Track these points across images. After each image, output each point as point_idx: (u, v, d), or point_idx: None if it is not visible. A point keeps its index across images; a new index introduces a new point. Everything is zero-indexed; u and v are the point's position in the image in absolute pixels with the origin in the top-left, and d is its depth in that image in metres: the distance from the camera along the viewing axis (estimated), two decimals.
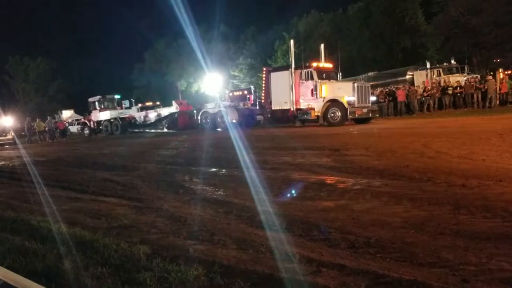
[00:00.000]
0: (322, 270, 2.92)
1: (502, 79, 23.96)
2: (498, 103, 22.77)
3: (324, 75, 20.32)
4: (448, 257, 2.98)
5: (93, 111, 32.52)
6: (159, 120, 28.89)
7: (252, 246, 3.51)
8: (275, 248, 3.40)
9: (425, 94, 24.54)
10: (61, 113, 48.09)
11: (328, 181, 6.07)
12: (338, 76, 21.64)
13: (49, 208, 5.48)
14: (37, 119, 31.67)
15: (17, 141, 27.63)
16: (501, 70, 26.41)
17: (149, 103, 35.59)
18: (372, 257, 3.11)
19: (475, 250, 3.08)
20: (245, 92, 29.46)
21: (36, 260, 3.50)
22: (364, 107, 19.06)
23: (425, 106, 24.16)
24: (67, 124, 41.45)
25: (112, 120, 30.94)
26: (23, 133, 31.96)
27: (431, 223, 3.74)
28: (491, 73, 26.45)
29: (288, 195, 5.47)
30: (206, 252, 3.45)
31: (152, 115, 29.53)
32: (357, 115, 18.71)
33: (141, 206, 5.36)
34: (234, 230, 4.02)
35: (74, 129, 41.34)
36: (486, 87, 22.41)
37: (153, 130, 29.09)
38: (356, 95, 18.74)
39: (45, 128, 30.76)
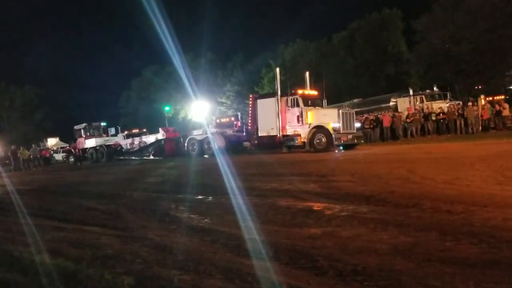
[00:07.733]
0: None
1: (484, 105, 24.50)
2: (480, 129, 23.19)
3: (309, 102, 20.62)
4: (436, 284, 2.97)
5: (79, 139, 32.24)
6: (146, 147, 28.78)
7: (239, 275, 3.46)
8: (261, 277, 3.36)
9: (408, 120, 24.94)
10: (46, 141, 47.74)
11: (315, 208, 6.06)
12: (324, 103, 21.93)
13: (32, 238, 5.36)
14: (21, 147, 31.31)
15: (1, 169, 27.18)
16: (482, 96, 27.01)
17: (136, 130, 35.49)
18: (360, 285, 3.08)
19: (462, 276, 3.07)
20: (232, 118, 29.60)
21: None
22: (349, 133, 19.31)
23: (409, 132, 24.51)
24: (52, 152, 41.11)
25: (97, 147, 30.71)
26: (7, 162, 31.50)
27: (417, 249, 3.74)
28: (472, 99, 27.02)
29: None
30: (192, 282, 3.39)
31: (138, 142, 29.41)
32: (342, 141, 18.90)
33: (126, 235, 5.26)
34: (221, 259, 3.96)
35: (59, 157, 40.97)
36: (465, 114, 22.89)
37: (139, 158, 28.91)
38: (341, 122, 19.02)
39: (30, 156, 30.42)
